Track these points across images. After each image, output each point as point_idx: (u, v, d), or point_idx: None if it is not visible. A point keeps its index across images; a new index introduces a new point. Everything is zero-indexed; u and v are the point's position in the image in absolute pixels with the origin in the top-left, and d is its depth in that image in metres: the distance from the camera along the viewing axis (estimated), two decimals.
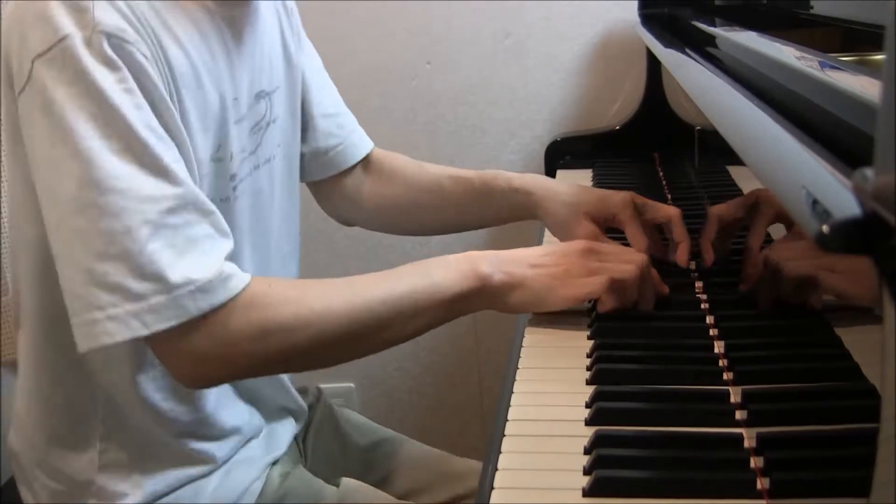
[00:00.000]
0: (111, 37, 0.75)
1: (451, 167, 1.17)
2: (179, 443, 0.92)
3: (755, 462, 0.65)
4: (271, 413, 1.05)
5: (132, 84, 0.75)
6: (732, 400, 0.74)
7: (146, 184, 0.75)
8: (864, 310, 0.74)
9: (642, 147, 1.63)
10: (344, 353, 0.86)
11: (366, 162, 1.17)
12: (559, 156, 1.68)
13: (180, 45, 0.82)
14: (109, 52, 0.74)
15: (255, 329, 0.79)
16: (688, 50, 1.10)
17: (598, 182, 1.51)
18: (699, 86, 0.92)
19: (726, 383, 0.78)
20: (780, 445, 0.66)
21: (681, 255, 1.01)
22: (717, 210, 1.02)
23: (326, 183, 1.15)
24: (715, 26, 1.17)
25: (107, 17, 0.75)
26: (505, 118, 1.79)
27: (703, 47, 1.10)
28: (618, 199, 1.04)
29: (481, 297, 0.86)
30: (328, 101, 1.12)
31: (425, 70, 1.79)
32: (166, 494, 0.92)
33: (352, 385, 1.95)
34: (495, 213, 1.13)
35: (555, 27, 1.74)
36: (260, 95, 0.97)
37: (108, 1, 0.75)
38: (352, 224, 1.21)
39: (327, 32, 1.78)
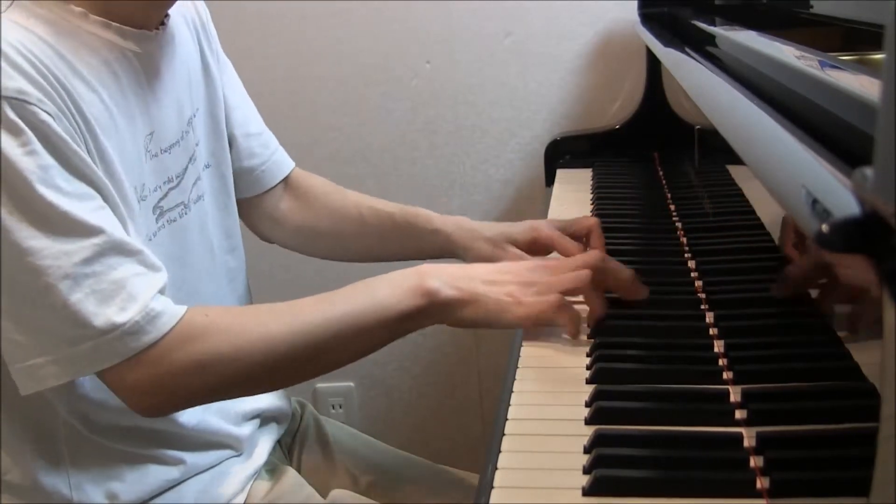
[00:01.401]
0: (12, 100, 0.75)
1: (372, 198, 1.18)
2: (148, 453, 0.93)
3: (755, 461, 0.65)
4: (261, 423, 1.06)
5: (36, 146, 0.76)
6: (732, 399, 0.74)
7: (58, 241, 0.77)
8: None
9: (642, 146, 1.63)
10: (289, 378, 0.88)
11: (286, 182, 1.17)
12: (559, 155, 1.68)
13: (92, 89, 0.83)
14: (11, 116, 0.75)
15: (193, 362, 0.81)
16: (687, 49, 1.10)
17: (598, 182, 1.51)
18: (699, 85, 0.92)
19: (726, 382, 0.78)
20: (780, 445, 0.66)
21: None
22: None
23: (248, 201, 1.15)
24: (715, 25, 1.17)
25: (8, 81, 0.75)
26: (505, 118, 1.79)
27: (702, 46, 1.10)
28: (539, 223, 1.07)
29: (430, 313, 0.85)
30: (249, 121, 1.12)
31: (425, 70, 1.79)
32: (144, 502, 0.93)
33: (351, 384, 1.95)
34: (417, 250, 1.14)
35: (555, 27, 1.74)
36: (189, 122, 0.98)
37: (8, 63, 0.76)
38: (271, 241, 1.22)
39: (327, 32, 1.78)
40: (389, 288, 0.85)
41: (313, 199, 1.17)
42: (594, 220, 1.06)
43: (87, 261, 0.77)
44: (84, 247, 0.77)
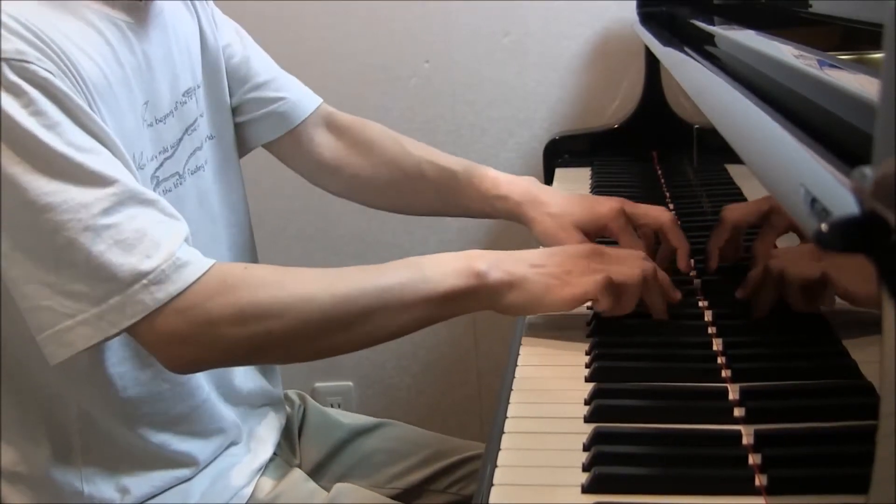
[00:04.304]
0: (11, 61, 0.75)
1: (435, 151, 1.15)
2: (161, 445, 0.93)
3: (753, 459, 0.65)
4: (252, 411, 1.06)
5: (41, 105, 0.76)
6: (730, 397, 0.75)
7: (76, 193, 0.76)
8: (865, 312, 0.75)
9: (641, 146, 1.63)
10: (325, 344, 0.84)
11: (332, 126, 1.15)
12: (557, 154, 1.68)
13: (89, 57, 0.82)
14: (12, 77, 0.75)
15: (232, 312, 0.79)
16: (686, 48, 1.10)
17: (597, 181, 1.51)
18: (698, 84, 0.92)
19: (724, 381, 0.78)
20: (778, 442, 0.66)
21: (681, 262, 0.99)
22: (732, 216, 0.98)
23: (281, 144, 1.13)
24: (713, 25, 1.17)
25: (5, 44, 0.75)
26: (503, 117, 1.80)
27: (701, 46, 1.10)
28: (607, 208, 1.03)
29: (477, 296, 0.84)
30: (258, 70, 1.10)
31: (424, 69, 1.79)
32: (153, 496, 0.93)
33: (350, 383, 1.95)
34: (477, 211, 1.12)
35: (553, 26, 1.74)
36: (188, 93, 0.97)
37: (5, 28, 0.76)
38: (322, 187, 1.19)
39: (327, 32, 1.78)
40: (437, 266, 0.84)
41: (369, 148, 1.15)
42: (668, 217, 1.01)
43: (106, 211, 0.76)
44: (101, 198, 0.76)
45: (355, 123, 1.17)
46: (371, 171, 1.15)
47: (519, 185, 1.09)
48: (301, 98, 1.13)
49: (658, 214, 1.02)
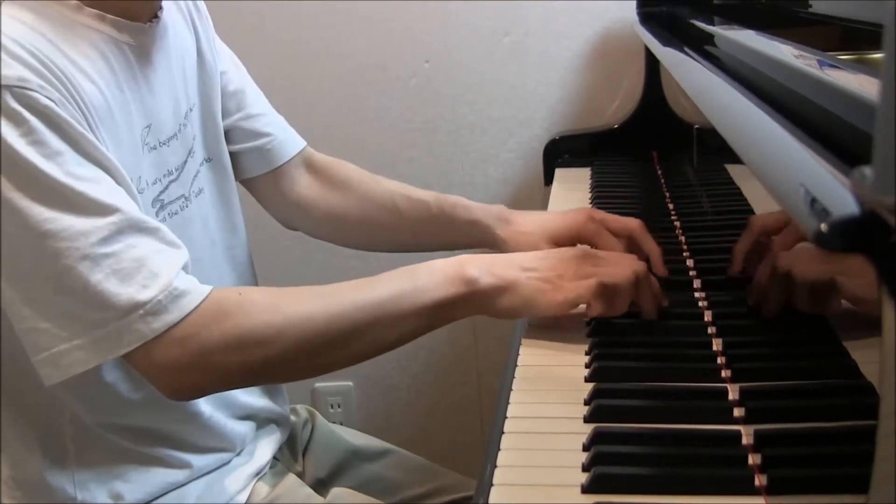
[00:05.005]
0: (13, 88, 0.75)
1: (407, 186, 1.16)
2: (157, 454, 0.93)
3: (753, 459, 0.65)
4: (258, 424, 1.05)
5: (42, 134, 0.75)
6: (730, 397, 0.75)
7: (76, 222, 0.76)
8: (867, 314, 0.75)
9: (641, 146, 1.63)
10: (324, 362, 0.85)
11: (311, 167, 1.16)
12: (557, 154, 1.68)
13: (91, 80, 0.82)
14: (13, 104, 0.75)
15: (229, 339, 0.79)
16: (686, 48, 1.10)
17: (597, 181, 1.51)
18: (697, 84, 0.92)
19: (724, 380, 0.78)
20: (778, 442, 0.66)
21: (657, 268, 0.98)
22: (758, 222, 0.97)
23: (261, 182, 1.13)
24: (713, 25, 1.17)
25: (7, 70, 0.75)
26: (503, 117, 1.79)
27: (701, 46, 1.10)
28: (577, 216, 1.04)
29: (470, 302, 0.84)
30: (249, 104, 1.10)
31: (424, 69, 1.79)
32: (147, 502, 0.93)
33: (350, 384, 1.95)
34: (452, 240, 1.13)
35: (553, 26, 1.74)
36: (187, 116, 0.97)
37: (7, 54, 0.75)
38: (296, 229, 1.20)
39: (326, 32, 1.78)
40: (429, 275, 0.84)
41: (345, 185, 1.16)
42: (637, 224, 1.02)
43: (106, 240, 0.76)
44: (101, 226, 0.76)
45: (332, 163, 1.17)
46: (345, 206, 1.15)
47: (490, 210, 1.11)
48: (287, 139, 1.13)
49: (627, 221, 1.03)
